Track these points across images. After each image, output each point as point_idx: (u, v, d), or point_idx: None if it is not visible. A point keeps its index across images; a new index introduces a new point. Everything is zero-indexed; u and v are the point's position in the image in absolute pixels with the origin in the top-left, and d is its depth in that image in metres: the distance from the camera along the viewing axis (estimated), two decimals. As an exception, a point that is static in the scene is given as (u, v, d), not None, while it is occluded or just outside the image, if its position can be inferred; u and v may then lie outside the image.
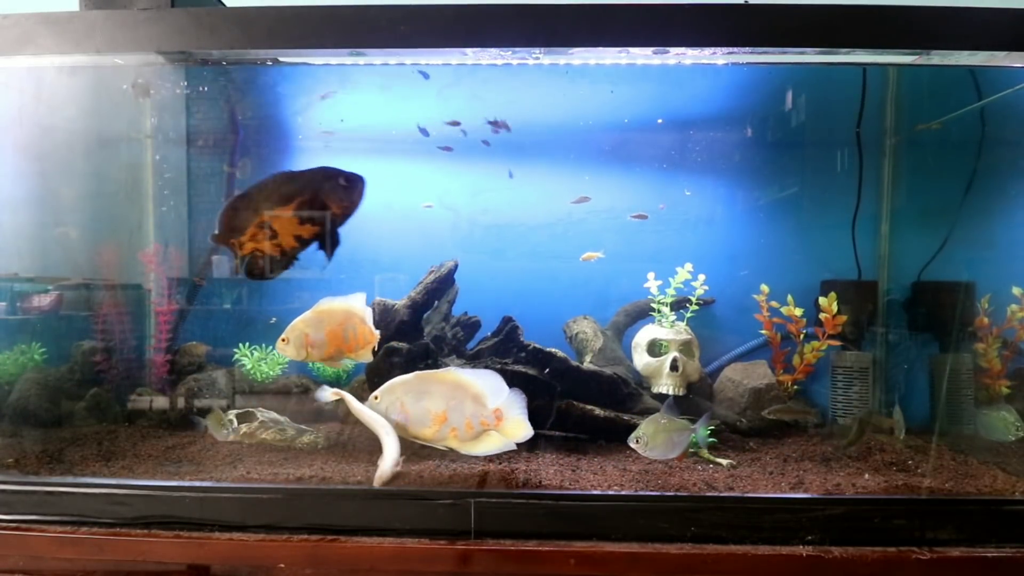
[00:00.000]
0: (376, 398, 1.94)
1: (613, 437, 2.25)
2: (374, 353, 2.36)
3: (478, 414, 1.91)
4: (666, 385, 2.41)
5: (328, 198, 1.81)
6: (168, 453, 2.14)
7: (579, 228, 2.62)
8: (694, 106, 2.67)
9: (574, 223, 2.61)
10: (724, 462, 2.06)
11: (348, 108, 2.68)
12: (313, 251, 2.57)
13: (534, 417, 2.21)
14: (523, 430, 1.91)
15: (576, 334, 2.58)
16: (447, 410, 1.90)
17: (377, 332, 2.14)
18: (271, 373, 2.58)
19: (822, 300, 2.44)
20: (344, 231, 2.74)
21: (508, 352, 2.31)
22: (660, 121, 2.67)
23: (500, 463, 2.00)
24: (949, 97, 2.48)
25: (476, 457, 1.97)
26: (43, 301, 2.55)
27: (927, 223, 2.59)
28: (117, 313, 2.58)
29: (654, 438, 1.93)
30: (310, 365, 2.69)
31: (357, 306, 2.10)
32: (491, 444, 1.92)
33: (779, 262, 2.68)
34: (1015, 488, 1.88)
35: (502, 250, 2.64)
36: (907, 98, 2.57)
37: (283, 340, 2.07)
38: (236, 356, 2.59)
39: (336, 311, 2.08)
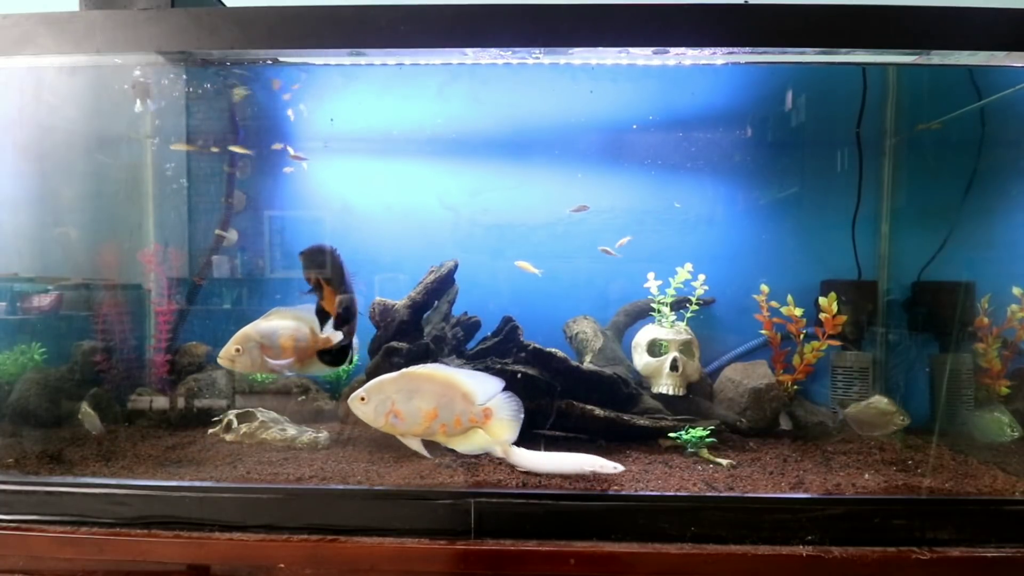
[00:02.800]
0: (363, 399, 1.90)
1: (613, 437, 2.26)
2: (372, 352, 2.36)
3: (467, 411, 1.93)
4: (666, 385, 2.41)
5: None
6: (168, 453, 2.14)
7: (579, 228, 2.62)
8: (694, 106, 2.67)
9: (574, 223, 2.61)
10: (724, 462, 2.06)
11: (348, 109, 2.68)
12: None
13: (534, 417, 2.23)
14: (509, 432, 1.94)
15: (576, 334, 2.58)
16: (437, 407, 1.92)
17: (330, 336, 2.09)
18: (271, 373, 2.58)
19: (822, 300, 2.44)
20: (344, 231, 2.77)
21: (508, 352, 2.31)
22: (652, 118, 2.67)
23: (500, 463, 2.00)
24: (949, 97, 2.48)
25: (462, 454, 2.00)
26: (43, 301, 2.55)
27: (927, 223, 2.59)
28: (117, 313, 2.58)
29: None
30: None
31: (306, 315, 2.07)
32: (478, 442, 1.95)
33: (779, 262, 2.68)
34: (1015, 488, 1.88)
35: (502, 250, 2.63)
36: (907, 98, 2.57)
37: (237, 350, 1.98)
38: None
39: (288, 320, 2.06)
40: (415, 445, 1.93)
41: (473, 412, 1.93)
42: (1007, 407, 2.30)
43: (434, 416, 1.91)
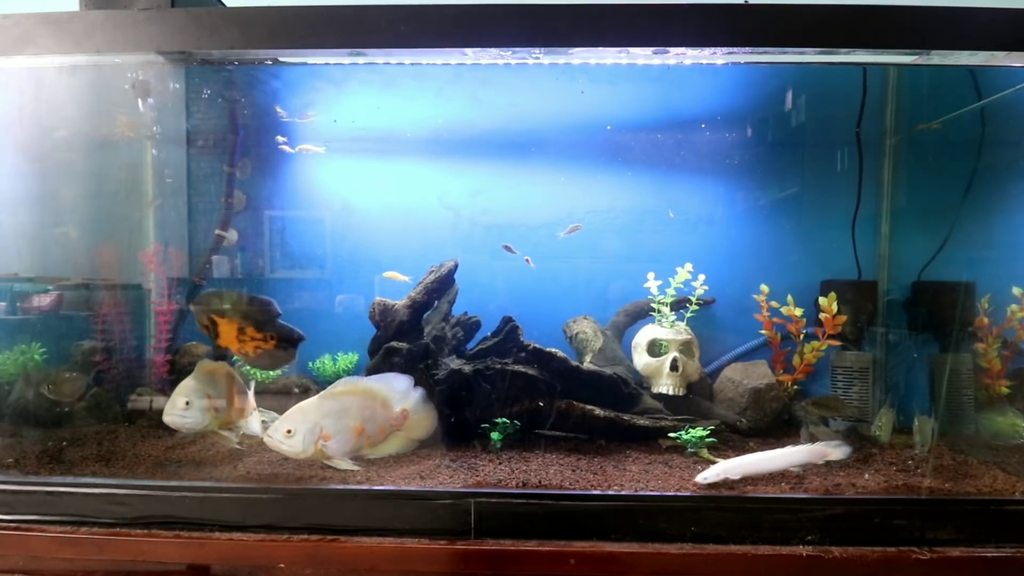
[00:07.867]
0: (290, 432, 1.85)
1: (613, 437, 2.25)
2: (372, 352, 2.36)
3: (388, 418, 2.00)
4: (666, 385, 2.41)
5: None
6: (168, 453, 2.14)
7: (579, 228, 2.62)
8: (694, 106, 2.67)
9: (574, 223, 2.61)
10: (724, 462, 2.06)
11: (348, 108, 2.68)
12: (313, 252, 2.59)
13: (534, 417, 2.23)
14: (425, 429, 2.07)
15: (576, 334, 2.58)
16: (363, 421, 1.95)
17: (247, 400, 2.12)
18: (271, 373, 2.58)
19: (822, 300, 2.44)
20: (344, 231, 2.78)
21: (508, 352, 2.31)
22: (651, 119, 2.67)
23: (500, 463, 2.00)
24: (949, 97, 2.48)
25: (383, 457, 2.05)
26: (43, 301, 2.55)
27: (927, 223, 2.58)
28: (117, 313, 2.58)
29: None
30: (310, 365, 2.70)
31: (236, 372, 2.15)
32: (397, 444, 2.04)
33: (779, 262, 2.68)
34: (1015, 488, 1.88)
35: (502, 250, 2.63)
36: (907, 98, 2.57)
37: (186, 403, 1.99)
38: (236, 356, 2.58)
39: (221, 376, 2.10)
40: (346, 464, 1.94)
41: (393, 418, 2.01)
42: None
43: (361, 431, 1.94)
